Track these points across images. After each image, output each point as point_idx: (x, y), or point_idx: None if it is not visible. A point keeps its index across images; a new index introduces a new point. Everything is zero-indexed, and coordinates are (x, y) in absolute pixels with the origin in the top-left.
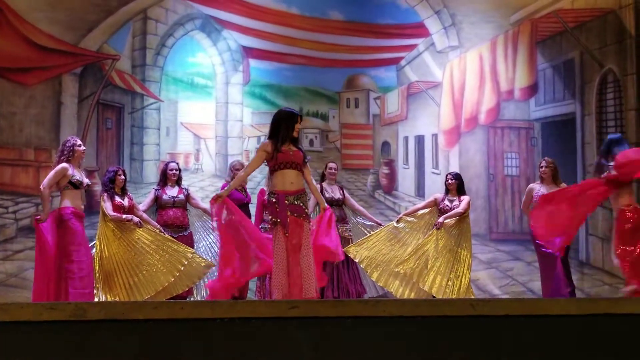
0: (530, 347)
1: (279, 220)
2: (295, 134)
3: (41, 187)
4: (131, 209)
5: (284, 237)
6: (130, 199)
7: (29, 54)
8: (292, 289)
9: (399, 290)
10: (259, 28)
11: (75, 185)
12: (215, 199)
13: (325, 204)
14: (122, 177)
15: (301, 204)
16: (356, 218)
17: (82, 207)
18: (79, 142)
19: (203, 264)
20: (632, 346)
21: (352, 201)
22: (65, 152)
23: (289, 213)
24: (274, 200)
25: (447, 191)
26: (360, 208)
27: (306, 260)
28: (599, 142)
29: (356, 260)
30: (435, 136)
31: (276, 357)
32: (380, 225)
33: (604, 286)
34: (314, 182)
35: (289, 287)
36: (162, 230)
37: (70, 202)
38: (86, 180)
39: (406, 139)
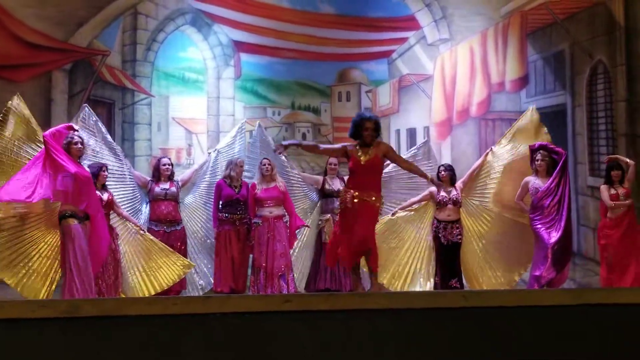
0: (524, 337)
1: None
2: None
3: None
4: (110, 204)
5: None
6: (110, 194)
7: (18, 51)
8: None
9: (396, 285)
10: (249, 22)
11: None
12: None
13: None
14: (106, 173)
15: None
16: None
17: None
18: (75, 138)
19: (184, 264)
20: (624, 335)
21: None
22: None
23: None
24: None
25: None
26: None
27: None
28: (590, 133)
29: None
30: (427, 129)
31: (270, 350)
32: None
33: (595, 276)
34: None
35: None
36: (143, 229)
37: None
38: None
39: (398, 131)
